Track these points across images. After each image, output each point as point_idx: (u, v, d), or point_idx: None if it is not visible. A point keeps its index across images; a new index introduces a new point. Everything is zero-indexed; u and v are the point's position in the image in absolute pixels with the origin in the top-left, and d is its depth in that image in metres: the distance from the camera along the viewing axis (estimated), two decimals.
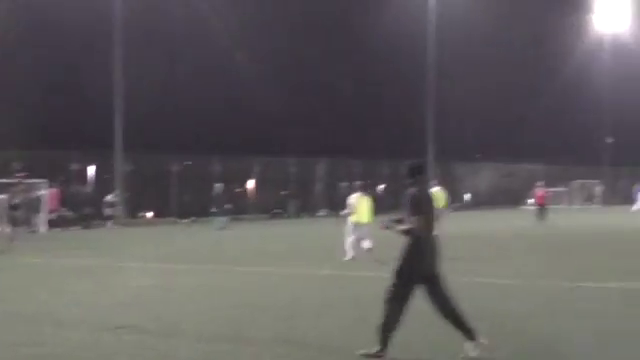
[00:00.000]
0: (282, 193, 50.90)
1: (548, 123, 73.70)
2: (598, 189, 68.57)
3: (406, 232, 8.41)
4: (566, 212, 51.85)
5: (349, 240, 19.25)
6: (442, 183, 29.05)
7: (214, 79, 56.85)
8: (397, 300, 8.36)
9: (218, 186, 36.29)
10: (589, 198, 67.20)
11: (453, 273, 16.04)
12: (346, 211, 19.68)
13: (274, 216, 48.63)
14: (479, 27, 65.19)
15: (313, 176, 50.54)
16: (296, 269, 17.61)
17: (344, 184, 50.68)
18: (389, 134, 64.92)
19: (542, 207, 35.97)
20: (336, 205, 37.50)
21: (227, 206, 36.01)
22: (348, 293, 13.50)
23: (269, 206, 50.25)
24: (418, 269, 8.38)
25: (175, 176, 45.49)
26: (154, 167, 44.57)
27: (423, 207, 8.48)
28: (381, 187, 53.68)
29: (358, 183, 21.92)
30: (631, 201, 55.06)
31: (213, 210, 36.22)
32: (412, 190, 8.54)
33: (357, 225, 19.10)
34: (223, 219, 34.95)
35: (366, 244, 18.95)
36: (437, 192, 27.47)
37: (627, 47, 72.49)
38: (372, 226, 17.97)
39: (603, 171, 71.81)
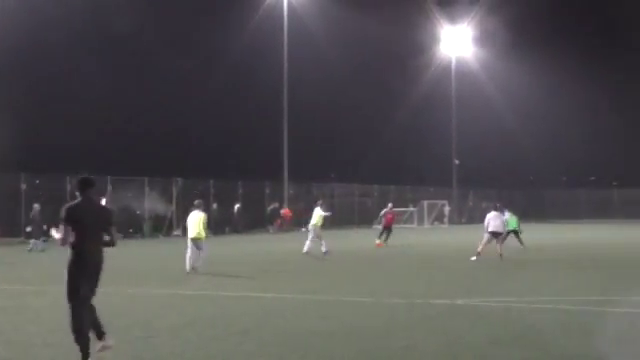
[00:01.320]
0: (137, 213, 49.96)
1: (398, 145, 76.12)
2: (446, 209, 70.96)
3: (62, 242, 8.65)
4: (416, 231, 53.47)
5: (187, 255, 20.93)
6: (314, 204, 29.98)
7: (71, 98, 55.61)
8: (78, 306, 8.65)
9: (36, 206, 34.52)
10: (438, 218, 69.42)
11: (314, 292, 16.36)
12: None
13: (128, 236, 47.65)
14: (331, 49, 66.67)
15: (169, 196, 49.97)
16: (150, 289, 17.40)
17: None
18: (245, 154, 65.31)
19: (388, 228, 35.94)
20: None
21: (42, 228, 34.27)
22: (205, 312, 13.51)
23: (123, 226, 49.19)
24: (78, 279, 8.65)
25: (24, 195, 43.83)
26: (1, 185, 42.74)
27: (79, 219, 8.66)
28: (237, 206, 53.59)
29: (196, 202, 22.82)
30: (479, 221, 56.65)
31: (28, 230, 34.96)
32: (71, 202, 8.76)
33: (192, 240, 21.01)
34: (38, 241, 33.28)
35: (203, 254, 21.05)
36: (316, 211, 28.81)
37: (471, 72, 75.72)
38: (205, 240, 21.25)
39: (451, 192, 74.51)
